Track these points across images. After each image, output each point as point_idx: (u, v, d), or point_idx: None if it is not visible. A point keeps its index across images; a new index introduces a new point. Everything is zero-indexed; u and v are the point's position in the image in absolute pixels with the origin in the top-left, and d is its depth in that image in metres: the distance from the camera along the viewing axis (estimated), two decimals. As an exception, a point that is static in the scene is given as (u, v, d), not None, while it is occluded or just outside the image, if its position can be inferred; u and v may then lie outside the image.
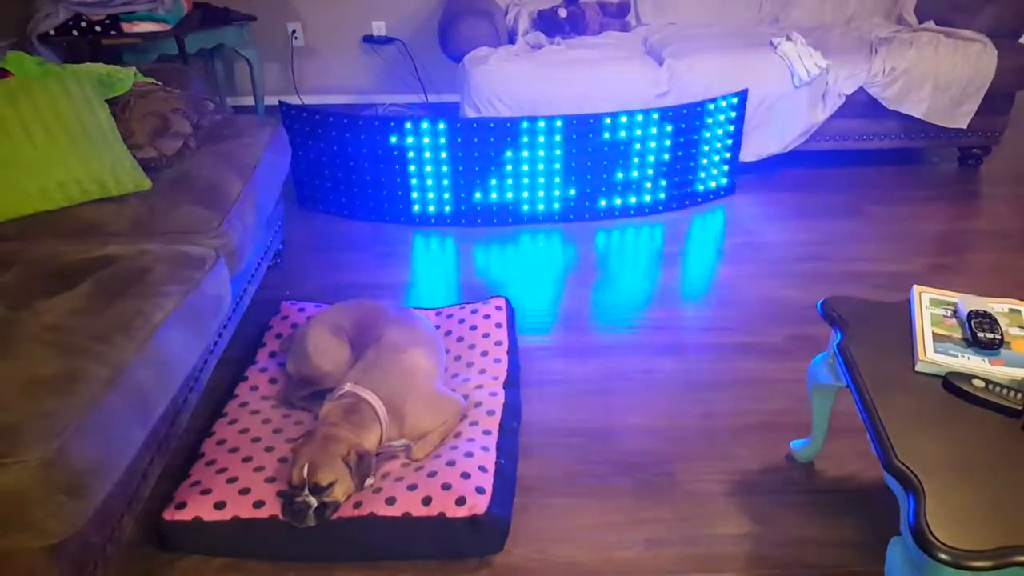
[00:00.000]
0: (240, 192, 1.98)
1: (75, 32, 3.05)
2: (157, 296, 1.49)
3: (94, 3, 3.03)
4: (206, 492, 1.56)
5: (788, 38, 3.14)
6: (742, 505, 1.65)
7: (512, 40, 3.31)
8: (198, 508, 1.53)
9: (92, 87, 1.94)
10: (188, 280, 1.57)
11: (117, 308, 1.43)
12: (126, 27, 3.08)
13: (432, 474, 1.60)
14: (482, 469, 1.62)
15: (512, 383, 1.96)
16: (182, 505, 1.54)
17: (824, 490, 1.70)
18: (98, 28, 3.06)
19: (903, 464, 1.14)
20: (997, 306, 1.45)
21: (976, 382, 1.27)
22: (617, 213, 2.97)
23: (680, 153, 2.93)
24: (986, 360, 1.33)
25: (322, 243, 2.84)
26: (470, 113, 3.02)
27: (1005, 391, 1.25)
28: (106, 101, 1.99)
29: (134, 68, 2.27)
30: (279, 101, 2.97)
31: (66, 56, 3.08)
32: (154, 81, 2.29)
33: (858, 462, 1.74)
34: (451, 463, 1.63)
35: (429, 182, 2.84)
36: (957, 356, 1.34)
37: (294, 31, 4.01)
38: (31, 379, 1.23)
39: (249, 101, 3.84)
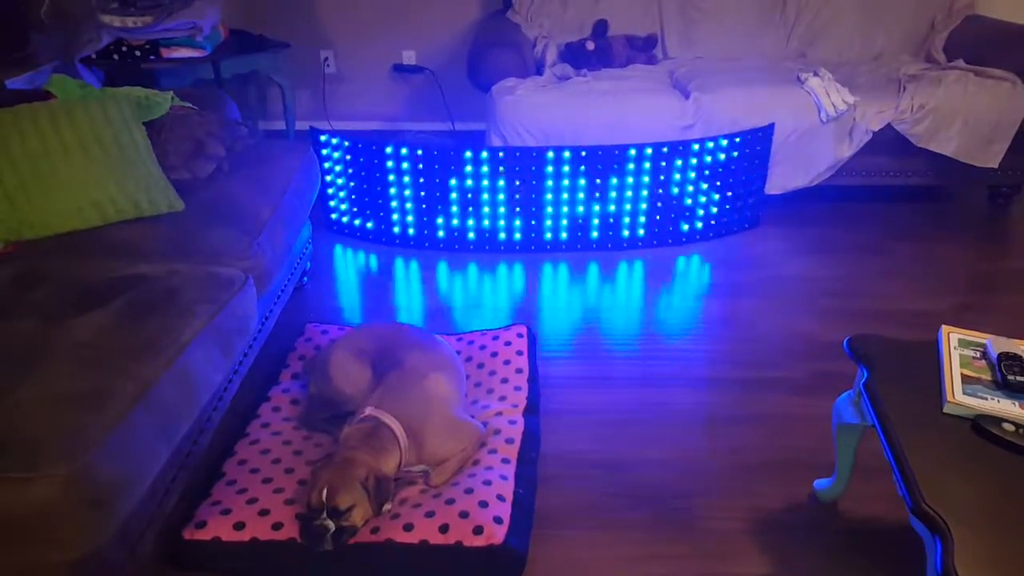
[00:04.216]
0: (270, 215, 2.01)
1: (116, 56, 3.14)
2: (186, 316, 1.51)
3: (135, 29, 3.12)
4: (226, 512, 1.57)
5: (815, 73, 3.15)
6: (762, 544, 1.63)
7: (539, 71, 3.35)
8: (217, 528, 1.54)
9: (131, 110, 2.00)
10: (217, 300, 1.59)
11: (147, 327, 1.45)
12: (165, 52, 3.17)
13: (450, 501, 1.60)
14: (500, 498, 1.61)
15: (532, 411, 1.95)
16: (202, 524, 1.55)
17: (847, 532, 1.67)
18: (138, 53, 3.15)
19: (930, 508, 1.12)
20: (1028, 349, 1.43)
21: (1006, 426, 1.25)
22: (640, 243, 2.97)
23: (705, 185, 2.93)
24: (1016, 404, 1.31)
25: (347, 266, 2.88)
26: (496, 142, 3.06)
27: (1036, 436, 1.23)
28: (144, 124, 2.05)
29: (172, 92, 2.33)
30: (310, 126, 3.03)
31: (107, 79, 3.18)
32: (190, 105, 2.35)
33: (883, 504, 1.70)
34: (469, 491, 1.62)
35: (453, 208, 2.87)
36: (986, 399, 1.32)
37: (326, 58, 4.10)
38: (60, 394, 1.25)
39: (281, 125, 3.91)
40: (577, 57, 3.48)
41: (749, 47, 3.69)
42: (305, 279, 2.66)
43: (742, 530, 1.66)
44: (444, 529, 1.53)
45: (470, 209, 2.87)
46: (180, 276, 1.64)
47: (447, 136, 3.98)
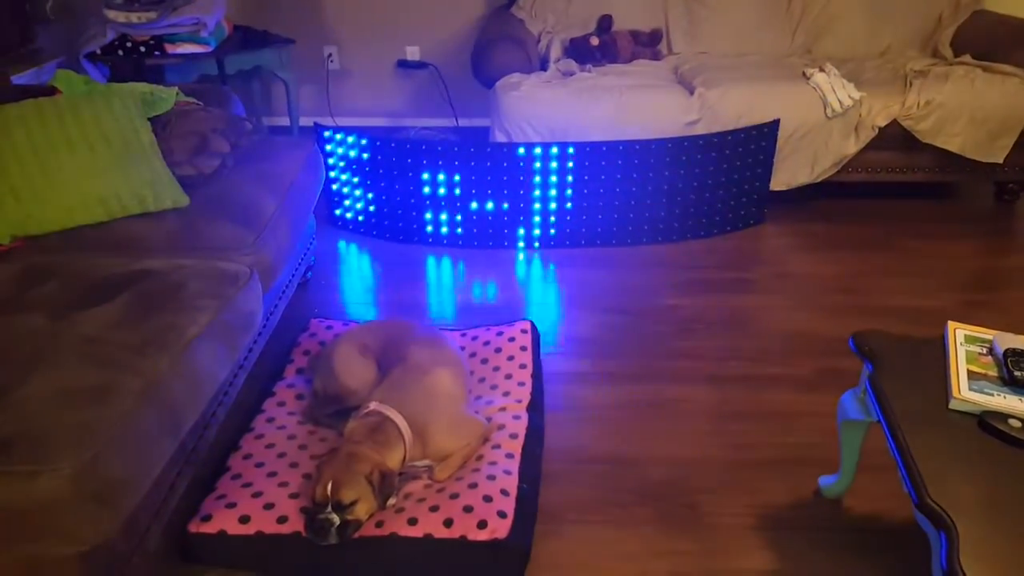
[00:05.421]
0: (275, 211, 2.01)
1: (121, 52, 3.15)
2: (191, 311, 1.51)
3: (140, 25, 3.12)
4: (231, 506, 1.57)
5: (821, 69, 3.13)
6: (768, 540, 1.63)
7: (544, 67, 3.35)
8: (223, 521, 1.54)
9: (135, 106, 2.00)
10: (222, 296, 1.60)
11: (152, 322, 1.46)
12: (169, 48, 3.18)
13: (454, 496, 1.60)
14: (504, 493, 1.61)
15: (536, 407, 1.95)
16: (207, 518, 1.55)
17: (852, 528, 1.67)
18: (143, 49, 3.15)
19: (935, 503, 1.12)
20: (1034, 344, 1.43)
21: (1013, 422, 1.25)
22: (646, 239, 2.97)
23: (710, 181, 2.93)
24: (1023, 400, 1.30)
25: (352, 262, 2.88)
26: (500, 138, 3.05)
27: (1042, 432, 1.23)
28: (148, 119, 2.05)
29: (176, 88, 2.33)
30: (314, 122, 3.03)
31: (112, 75, 3.18)
32: (195, 101, 2.35)
33: (888, 500, 1.70)
34: (473, 485, 1.63)
35: (457, 204, 2.87)
36: (992, 395, 1.32)
37: (330, 55, 4.09)
38: (67, 389, 1.26)
39: (285, 121, 3.92)
40: (581, 52, 3.47)
41: (754, 43, 3.68)
42: (309, 274, 2.67)
43: (747, 526, 1.66)
44: (448, 523, 1.53)
45: (474, 205, 2.87)
46: (185, 271, 1.65)
47: (451, 132, 3.97)
